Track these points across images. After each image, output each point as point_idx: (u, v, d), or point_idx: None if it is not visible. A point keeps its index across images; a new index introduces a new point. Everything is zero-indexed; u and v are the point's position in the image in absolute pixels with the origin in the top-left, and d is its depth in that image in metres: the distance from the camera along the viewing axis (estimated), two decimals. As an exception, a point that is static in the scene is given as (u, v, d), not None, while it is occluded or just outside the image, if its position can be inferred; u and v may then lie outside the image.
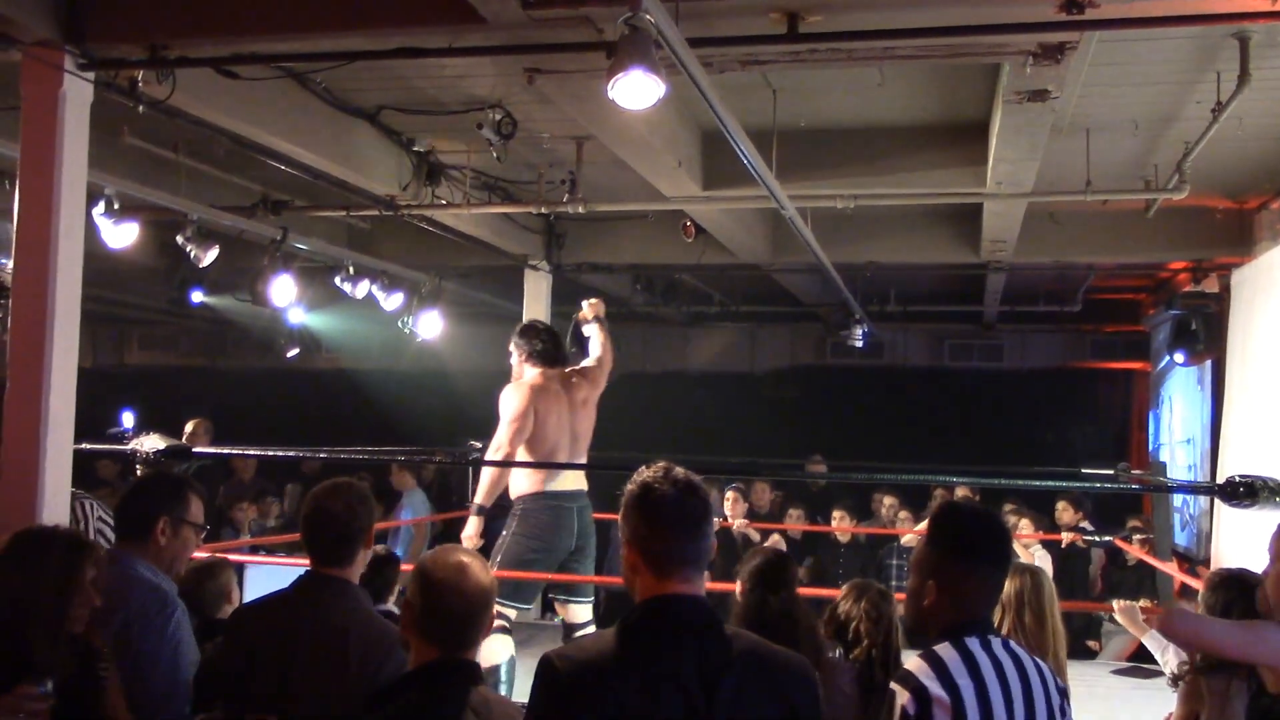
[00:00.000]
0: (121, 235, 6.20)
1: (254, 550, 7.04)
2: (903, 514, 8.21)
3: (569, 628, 5.50)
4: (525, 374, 5.45)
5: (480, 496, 5.27)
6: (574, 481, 5.35)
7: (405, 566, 4.42)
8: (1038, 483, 6.67)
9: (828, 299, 10.05)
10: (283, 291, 7.30)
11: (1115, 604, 4.46)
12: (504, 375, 5.61)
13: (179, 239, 6.65)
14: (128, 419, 6.94)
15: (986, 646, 2.26)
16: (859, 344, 10.14)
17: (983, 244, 7.81)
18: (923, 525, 7.53)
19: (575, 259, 8.77)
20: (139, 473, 4.70)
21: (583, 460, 5.49)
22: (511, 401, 5.24)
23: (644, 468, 2.12)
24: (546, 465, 5.31)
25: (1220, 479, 6.07)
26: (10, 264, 4.09)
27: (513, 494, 5.33)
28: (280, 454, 6.69)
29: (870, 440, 11.33)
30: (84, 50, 4.10)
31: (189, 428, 7.38)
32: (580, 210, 6.60)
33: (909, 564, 2.52)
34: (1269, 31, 4.48)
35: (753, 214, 7.83)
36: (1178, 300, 8.50)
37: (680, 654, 1.98)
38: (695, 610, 2.04)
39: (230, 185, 6.98)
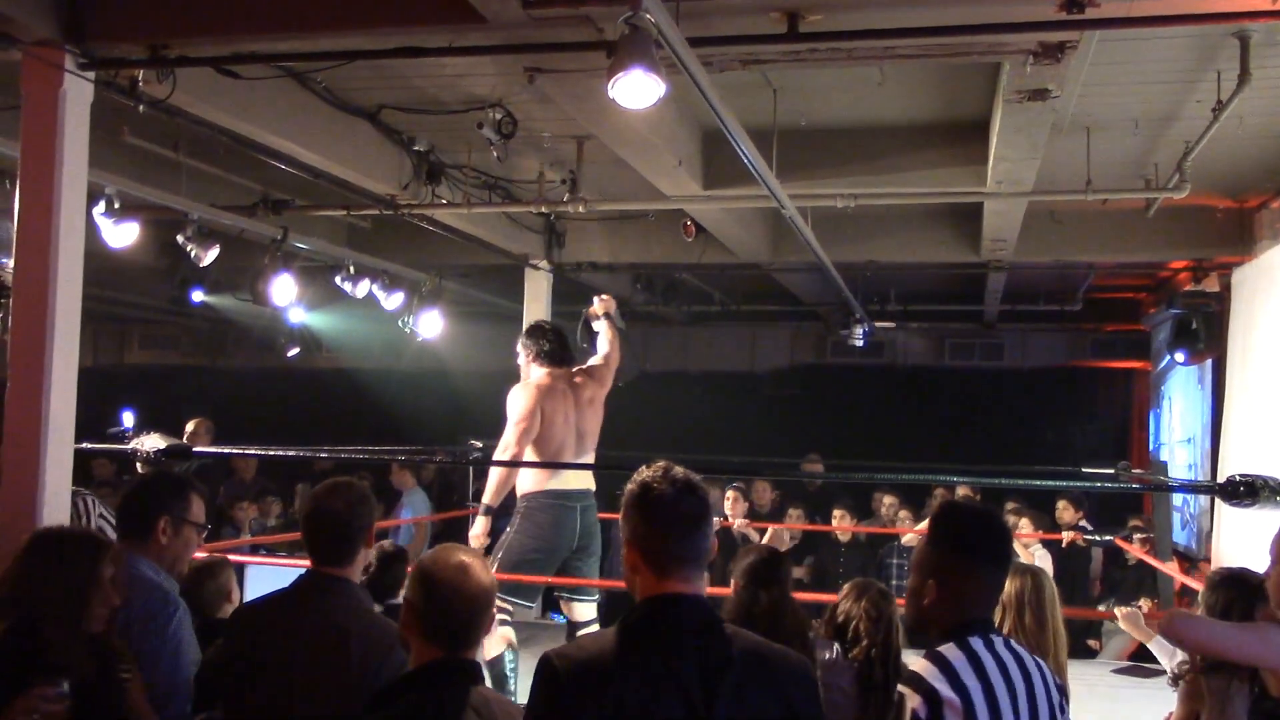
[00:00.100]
0: (122, 234, 6.20)
1: (255, 550, 7.04)
2: (903, 513, 8.21)
3: (573, 625, 5.54)
4: (532, 374, 5.50)
5: (488, 496, 5.32)
6: (578, 481, 5.37)
7: (406, 566, 4.43)
8: (1038, 482, 6.67)
9: (828, 298, 10.05)
10: (283, 291, 7.30)
11: (1118, 610, 4.46)
12: (504, 374, 5.63)
13: (179, 238, 6.65)
14: (128, 418, 6.94)
15: (990, 646, 2.26)
16: (859, 343, 10.14)
17: (983, 243, 7.81)
18: (923, 525, 7.56)
19: (575, 258, 8.77)
20: (139, 472, 4.70)
21: (590, 458, 5.52)
22: (518, 402, 5.29)
23: (644, 467, 2.12)
24: (547, 465, 5.33)
25: (1221, 478, 6.07)
26: (11, 263, 4.09)
27: (518, 492, 5.39)
28: (280, 454, 6.67)
29: (870, 439, 11.33)
30: (84, 49, 4.10)
31: (190, 427, 7.38)
32: (580, 209, 6.61)
33: (910, 563, 2.52)
34: (1269, 31, 4.48)
35: (753, 213, 7.83)
36: (1178, 299, 8.50)
37: (680, 653, 1.98)
38: (695, 610, 2.05)
39: (231, 184, 6.98)
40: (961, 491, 7.80)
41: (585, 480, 5.42)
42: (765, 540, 7.44)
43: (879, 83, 5.40)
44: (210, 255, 6.75)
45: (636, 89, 3.45)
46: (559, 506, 5.30)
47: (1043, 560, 6.77)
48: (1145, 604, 6.67)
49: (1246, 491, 3.82)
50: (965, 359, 12.31)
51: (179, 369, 13.84)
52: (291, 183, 6.75)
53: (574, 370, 5.58)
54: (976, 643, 2.25)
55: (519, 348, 5.65)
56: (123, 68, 4.32)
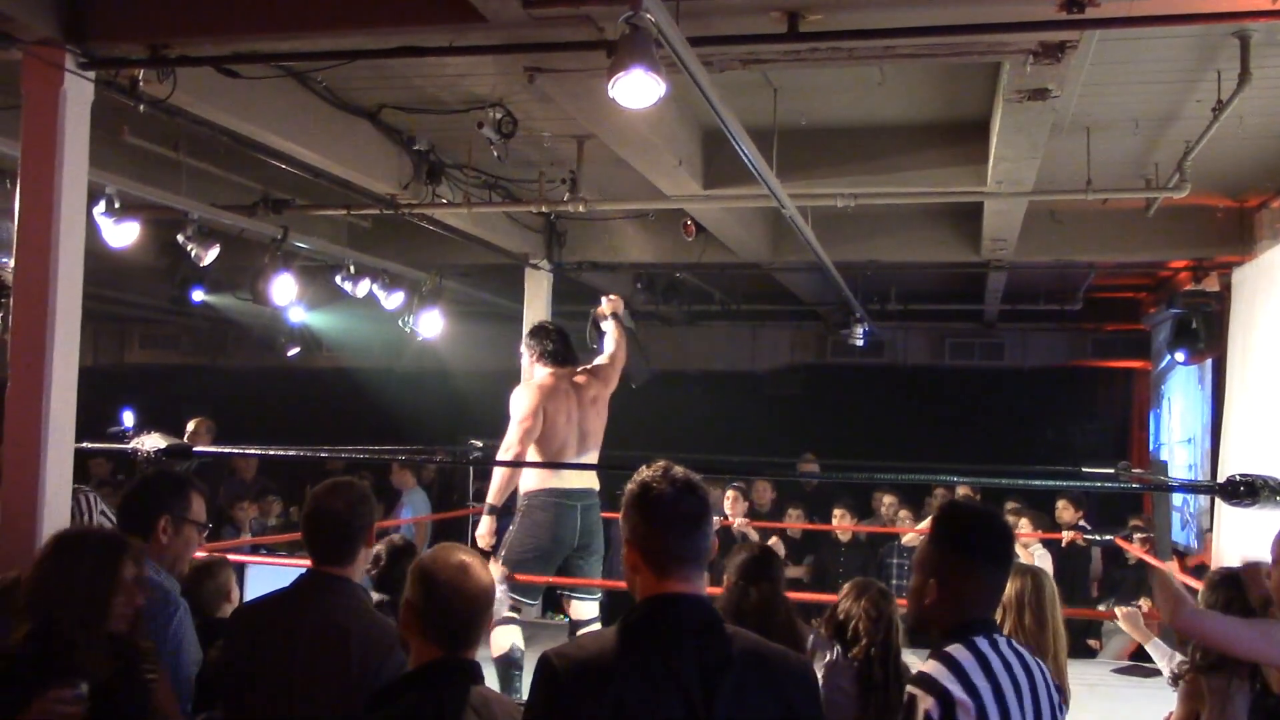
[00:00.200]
0: (122, 234, 6.20)
1: (255, 550, 7.04)
2: (903, 513, 8.21)
3: (575, 624, 5.57)
4: (536, 374, 5.54)
5: (492, 495, 5.36)
6: (579, 480, 5.39)
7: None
8: (1038, 482, 6.67)
9: (828, 298, 10.05)
10: (283, 290, 7.30)
11: (1118, 610, 4.46)
12: (504, 374, 5.65)
13: (180, 238, 6.65)
14: (128, 418, 6.95)
15: (995, 646, 2.27)
16: (860, 343, 10.14)
17: (983, 243, 7.81)
18: (923, 524, 7.56)
19: (576, 258, 8.78)
20: (136, 471, 4.70)
21: (593, 458, 5.54)
22: (521, 402, 5.33)
23: (644, 467, 2.12)
24: (547, 465, 5.36)
25: (1221, 478, 6.07)
26: (11, 263, 4.09)
27: (520, 491, 5.43)
28: (281, 453, 6.67)
29: (870, 439, 11.33)
30: (85, 49, 4.10)
31: (191, 426, 7.38)
32: (581, 209, 6.61)
33: (912, 562, 2.52)
34: (1269, 30, 4.48)
35: (753, 213, 7.83)
36: (1178, 299, 8.49)
37: (680, 653, 1.98)
38: (695, 609, 2.04)
39: (231, 184, 6.98)
40: (961, 491, 7.80)
41: (587, 479, 5.44)
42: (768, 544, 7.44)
43: (879, 82, 5.41)
44: (210, 255, 6.76)
45: (637, 88, 3.45)
46: (558, 505, 5.32)
47: (1043, 560, 6.76)
48: (1145, 604, 6.67)
49: (1246, 491, 3.81)
50: (965, 359, 12.31)
51: (179, 369, 13.84)
52: (292, 182, 6.76)
53: (578, 370, 5.61)
54: (983, 643, 2.25)
55: (523, 348, 5.71)
56: (123, 67, 4.33)
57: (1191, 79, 5.13)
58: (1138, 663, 6.55)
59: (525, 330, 6.23)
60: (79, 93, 4.12)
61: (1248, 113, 5.18)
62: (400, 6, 4.04)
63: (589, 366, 5.70)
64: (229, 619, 3.30)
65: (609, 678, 1.95)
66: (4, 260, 4.67)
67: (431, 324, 8.83)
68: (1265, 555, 3.26)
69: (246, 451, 8.04)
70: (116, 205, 6.09)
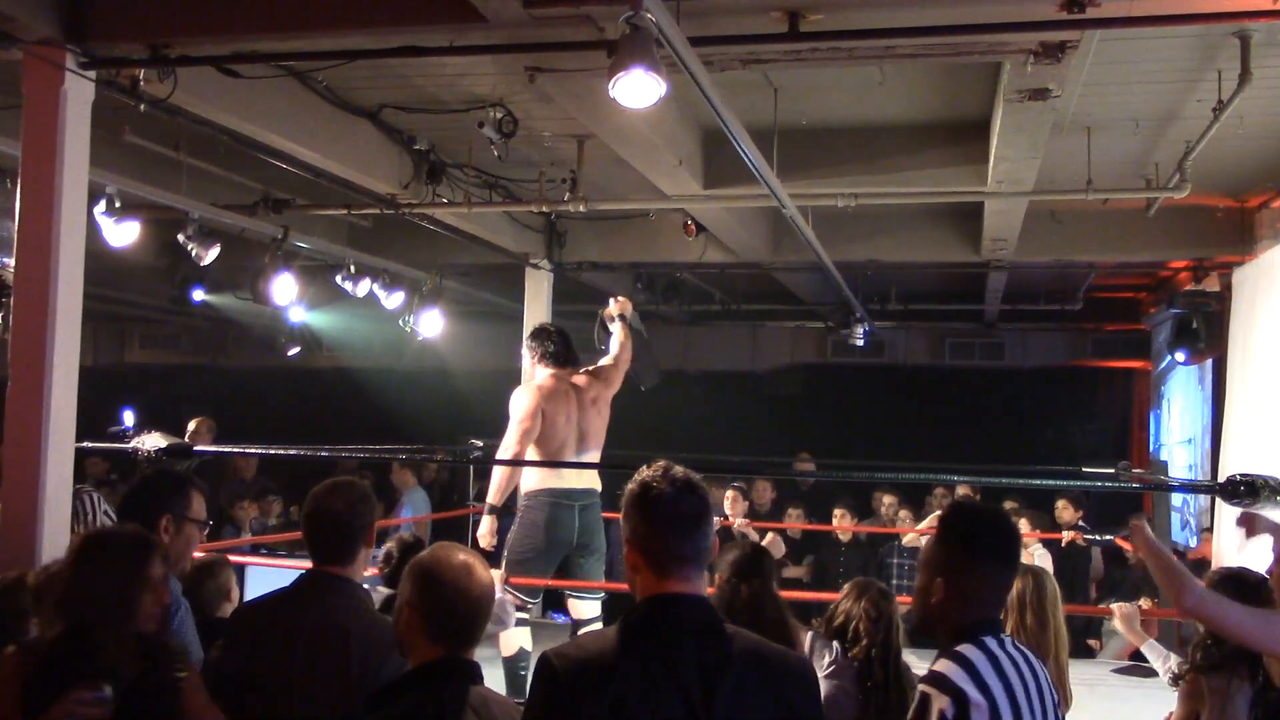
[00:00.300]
0: (123, 233, 6.21)
1: (255, 549, 7.04)
2: (903, 513, 8.20)
3: (577, 624, 5.59)
4: (537, 375, 5.56)
5: (492, 496, 5.39)
6: (578, 480, 5.41)
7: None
8: (1038, 481, 6.67)
9: (829, 297, 10.05)
10: (284, 290, 7.30)
11: (1115, 608, 4.45)
12: (504, 373, 5.66)
13: (180, 237, 6.65)
14: (129, 417, 6.95)
15: (1003, 646, 2.27)
16: (860, 342, 10.14)
17: (984, 242, 7.81)
18: (923, 524, 7.56)
19: (576, 257, 8.78)
20: (138, 471, 4.70)
21: (593, 458, 5.55)
22: (520, 403, 5.35)
23: (644, 467, 2.12)
24: (548, 464, 5.37)
25: (1221, 478, 6.07)
26: (12, 262, 4.09)
27: (520, 491, 5.46)
28: (281, 453, 6.67)
29: (871, 439, 11.34)
30: (85, 49, 4.11)
31: (191, 426, 7.38)
32: (581, 209, 6.61)
33: (918, 562, 2.52)
34: (1270, 30, 4.48)
35: (754, 212, 7.83)
36: (1179, 299, 8.50)
37: (680, 653, 1.98)
38: (695, 609, 2.04)
39: (231, 184, 6.98)
40: (961, 491, 7.80)
41: (587, 479, 5.45)
42: (766, 543, 7.43)
43: (879, 82, 5.40)
44: (211, 254, 6.76)
45: (637, 88, 3.45)
46: (557, 505, 5.34)
47: (1043, 560, 6.76)
48: (1145, 603, 6.67)
49: (1246, 491, 3.81)
50: (965, 359, 12.31)
51: (179, 368, 13.85)
52: (292, 182, 6.75)
53: (579, 371, 5.63)
54: (992, 643, 2.26)
55: (524, 349, 5.74)
56: (124, 67, 4.33)
57: (1192, 79, 5.13)
58: (1138, 663, 6.55)
59: (526, 331, 6.24)
60: (79, 92, 4.12)
61: (1248, 113, 5.18)
62: (400, 6, 4.04)
63: (591, 368, 5.72)
64: (229, 619, 3.29)
65: (609, 677, 1.95)
66: (4, 260, 4.68)
67: (432, 324, 8.83)
68: (1267, 554, 3.26)
69: (247, 451, 8.03)
70: (117, 205, 6.10)
